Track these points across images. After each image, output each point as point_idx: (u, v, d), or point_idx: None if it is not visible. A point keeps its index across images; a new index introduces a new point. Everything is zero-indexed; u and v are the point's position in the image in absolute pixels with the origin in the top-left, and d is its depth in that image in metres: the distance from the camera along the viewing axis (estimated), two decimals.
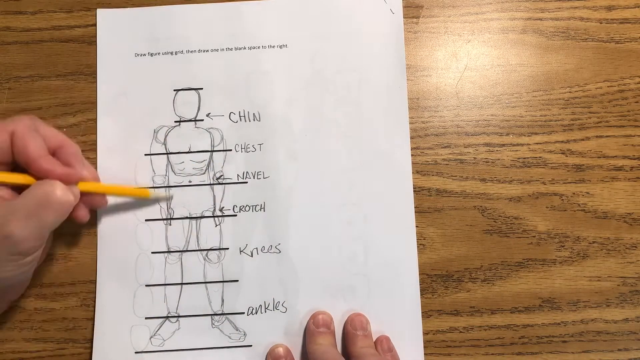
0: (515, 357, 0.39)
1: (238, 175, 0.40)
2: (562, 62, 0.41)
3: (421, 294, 0.39)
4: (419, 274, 0.39)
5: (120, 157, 0.40)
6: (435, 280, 0.39)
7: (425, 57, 0.41)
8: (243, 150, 0.40)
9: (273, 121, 0.40)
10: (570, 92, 0.41)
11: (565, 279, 0.39)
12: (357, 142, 0.40)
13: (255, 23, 0.41)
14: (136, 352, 0.38)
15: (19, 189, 0.34)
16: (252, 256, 0.39)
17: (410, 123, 0.40)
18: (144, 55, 0.41)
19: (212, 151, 0.40)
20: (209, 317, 0.39)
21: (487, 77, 0.41)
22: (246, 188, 0.40)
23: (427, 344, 0.39)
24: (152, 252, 0.39)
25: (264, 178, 0.40)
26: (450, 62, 0.41)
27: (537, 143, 0.40)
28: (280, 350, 0.38)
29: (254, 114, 0.40)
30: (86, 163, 0.37)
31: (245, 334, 0.39)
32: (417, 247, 0.39)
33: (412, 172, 0.40)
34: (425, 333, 0.39)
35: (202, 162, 0.40)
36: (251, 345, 0.39)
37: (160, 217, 0.40)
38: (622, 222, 0.40)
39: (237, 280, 0.39)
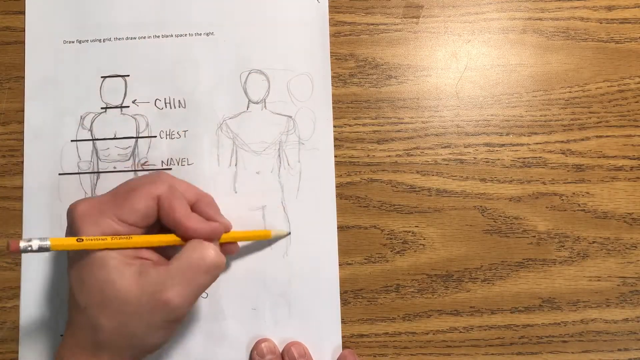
0: (515, 357, 0.39)
1: (162, 161, 0.40)
2: (562, 62, 0.41)
3: (421, 294, 0.39)
4: (419, 274, 0.39)
5: (47, 143, 0.40)
6: (435, 280, 0.39)
7: (425, 57, 0.41)
8: (168, 136, 0.40)
9: (198, 108, 0.40)
10: (570, 92, 0.41)
11: (565, 279, 0.39)
12: (282, 129, 0.40)
13: (182, 10, 0.41)
14: None
15: (163, 250, 0.34)
16: None
17: (410, 123, 0.40)
18: (72, 42, 0.41)
19: (137, 137, 0.40)
20: None
21: (487, 77, 0.41)
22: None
23: (427, 344, 0.39)
24: None
25: (188, 165, 0.40)
26: (450, 62, 0.41)
27: (537, 143, 0.40)
28: (266, 345, 0.38)
29: (179, 101, 0.41)
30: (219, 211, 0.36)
31: None
32: (417, 247, 0.40)
33: (412, 172, 0.40)
34: (425, 333, 0.39)
35: (127, 148, 0.40)
36: None
37: None
38: (622, 222, 0.40)
39: None
